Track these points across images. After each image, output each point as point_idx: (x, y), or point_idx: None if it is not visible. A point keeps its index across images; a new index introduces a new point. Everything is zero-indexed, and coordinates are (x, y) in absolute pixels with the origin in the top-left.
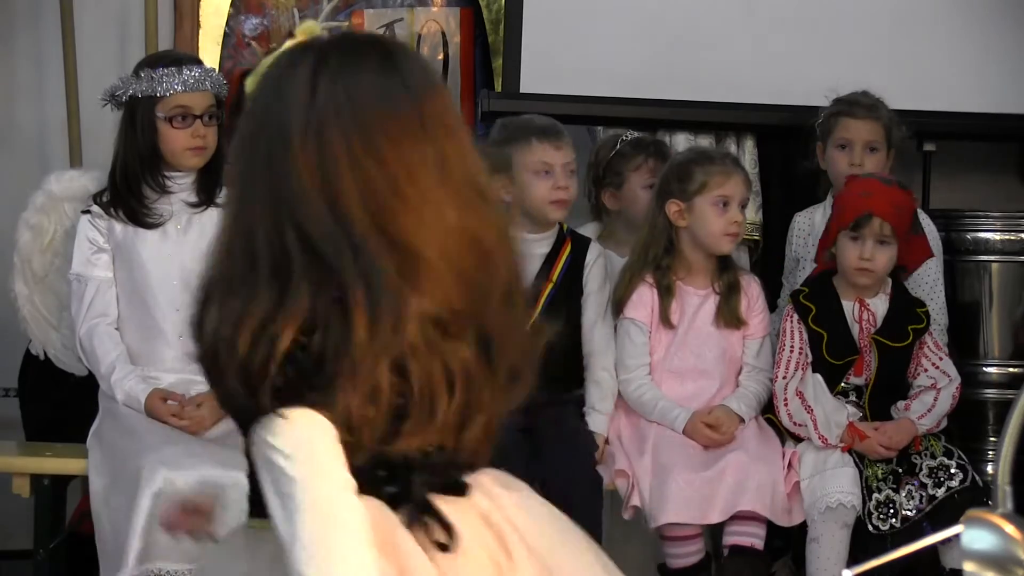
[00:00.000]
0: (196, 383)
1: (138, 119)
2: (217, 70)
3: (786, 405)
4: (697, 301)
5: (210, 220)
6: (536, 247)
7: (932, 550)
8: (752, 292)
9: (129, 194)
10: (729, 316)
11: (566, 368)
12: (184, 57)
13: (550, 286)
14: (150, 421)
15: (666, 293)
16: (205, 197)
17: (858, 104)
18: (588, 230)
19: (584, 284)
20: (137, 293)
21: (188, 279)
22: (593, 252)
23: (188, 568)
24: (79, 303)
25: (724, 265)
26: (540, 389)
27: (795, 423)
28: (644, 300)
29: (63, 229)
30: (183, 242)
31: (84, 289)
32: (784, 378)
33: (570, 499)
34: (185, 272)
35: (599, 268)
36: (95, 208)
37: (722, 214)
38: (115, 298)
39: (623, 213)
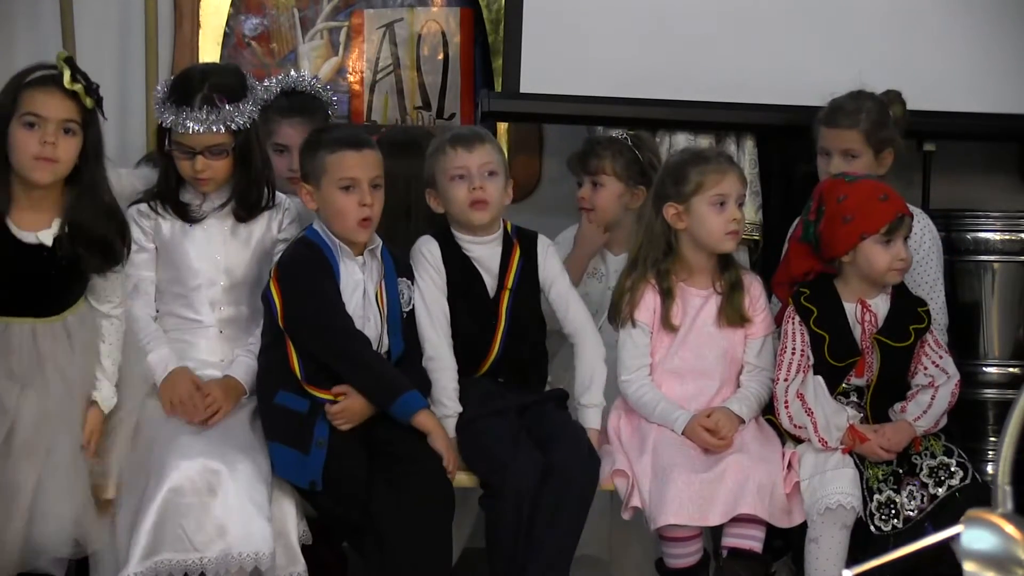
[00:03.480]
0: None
1: (163, 139)
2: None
3: (787, 407)
4: (699, 302)
5: (258, 227)
6: (486, 253)
7: (934, 550)
8: (754, 291)
9: (171, 193)
10: (733, 314)
11: (535, 367)
12: (195, 97)
13: (507, 294)
14: (164, 418)
15: (667, 296)
16: (245, 214)
17: (840, 110)
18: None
19: (541, 279)
20: (181, 290)
21: (235, 281)
22: (542, 247)
23: (199, 557)
24: None
25: (725, 264)
26: (518, 389)
27: (795, 426)
28: (647, 302)
29: None
30: (230, 244)
31: (125, 283)
32: (785, 380)
33: (570, 487)
34: (232, 274)
35: (552, 258)
36: (143, 206)
37: (720, 213)
38: (152, 295)
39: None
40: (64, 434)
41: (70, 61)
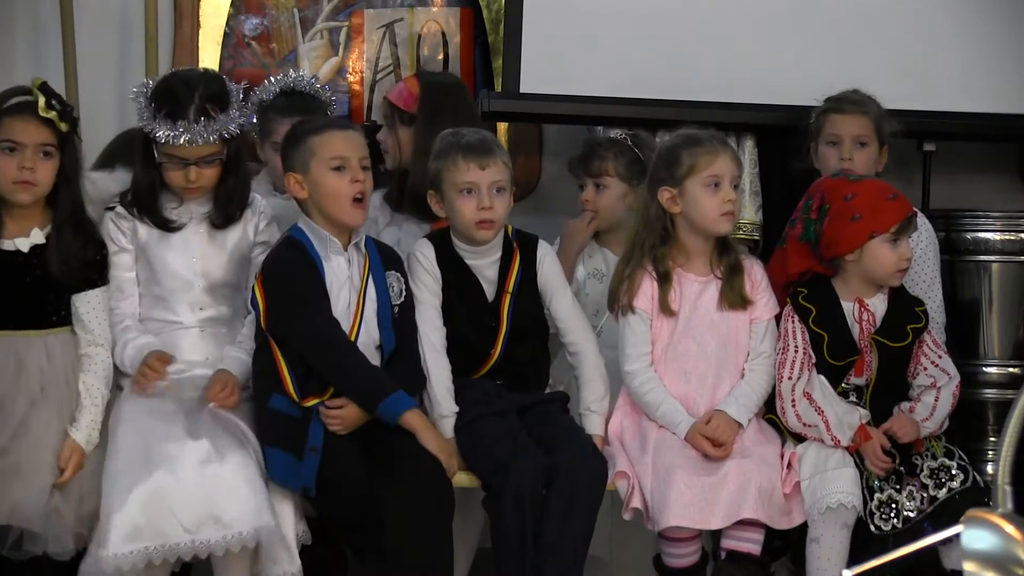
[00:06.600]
0: (207, 377)
1: (145, 147)
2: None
3: (794, 406)
4: (698, 288)
5: (235, 231)
6: (483, 261)
7: (933, 551)
8: (755, 274)
9: (149, 203)
10: (734, 297)
11: (535, 370)
12: (188, 108)
13: (508, 298)
14: (164, 414)
15: (664, 280)
16: (223, 221)
17: (847, 100)
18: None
19: (540, 286)
20: (160, 292)
21: (213, 283)
22: (541, 251)
23: (191, 539)
24: None
25: (723, 248)
26: (519, 391)
27: (805, 424)
28: (644, 289)
29: None
30: (208, 246)
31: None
32: (790, 379)
33: (577, 487)
34: (209, 277)
35: (551, 266)
36: (119, 209)
37: (714, 194)
38: (135, 296)
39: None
40: (41, 440)
41: (44, 87)
